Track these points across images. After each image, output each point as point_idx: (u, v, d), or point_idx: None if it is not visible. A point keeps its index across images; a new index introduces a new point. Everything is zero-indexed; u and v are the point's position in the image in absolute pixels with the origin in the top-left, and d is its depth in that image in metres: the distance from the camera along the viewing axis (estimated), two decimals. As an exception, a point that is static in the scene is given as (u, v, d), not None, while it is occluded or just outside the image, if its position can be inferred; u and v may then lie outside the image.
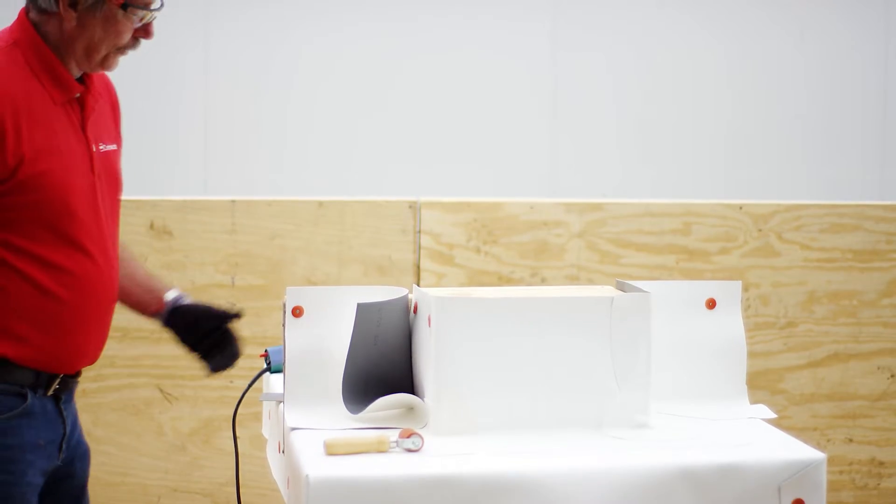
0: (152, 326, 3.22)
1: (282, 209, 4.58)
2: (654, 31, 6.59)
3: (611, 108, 6.58)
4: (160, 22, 2.96)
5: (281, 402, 2.87)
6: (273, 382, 3.09)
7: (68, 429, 2.98)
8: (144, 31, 2.90)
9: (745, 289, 4.78)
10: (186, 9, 6.08)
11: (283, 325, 2.85)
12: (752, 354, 3.24)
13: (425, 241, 4.68)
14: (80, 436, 3.09)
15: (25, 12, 2.88)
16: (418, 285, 3.23)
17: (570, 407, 2.77)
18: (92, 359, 3.01)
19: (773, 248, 4.84)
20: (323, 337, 2.84)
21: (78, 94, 2.90)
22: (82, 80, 2.93)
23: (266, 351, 3.13)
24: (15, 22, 2.88)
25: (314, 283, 4.58)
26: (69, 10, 2.81)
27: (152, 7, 2.87)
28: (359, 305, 2.76)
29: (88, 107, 2.93)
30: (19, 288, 2.83)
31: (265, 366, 3.11)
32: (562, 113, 6.55)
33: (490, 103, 6.51)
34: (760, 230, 4.83)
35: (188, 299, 3.21)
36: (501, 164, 6.50)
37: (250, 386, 3.11)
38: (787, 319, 4.87)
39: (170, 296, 3.19)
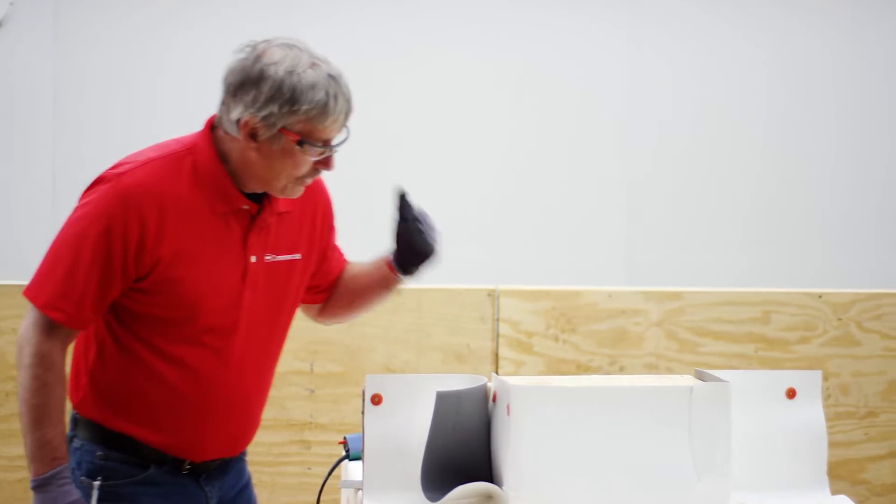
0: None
1: (361, 297, 4.61)
2: (730, 126, 6.60)
3: (689, 196, 6.58)
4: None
5: (360, 489, 2.88)
6: (352, 470, 3.10)
7: (213, 502, 3.03)
8: (325, 164, 2.88)
9: (825, 378, 4.74)
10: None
11: (363, 413, 2.86)
12: (832, 444, 3.22)
13: (504, 329, 4.69)
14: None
15: (213, 125, 2.90)
16: (497, 373, 3.23)
17: (649, 497, 2.76)
18: (225, 452, 3.03)
19: (853, 338, 4.81)
20: (401, 424, 2.85)
21: (246, 206, 2.90)
22: (265, 195, 2.92)
23: (345, 438, 3.14)
24: (202, 130, 2.90)
25: (392, 371, 4.60)
26: (249, 140, 2.82)
27: (332, 144, 2.86)
28: (438, 394, 2.77)
29: (261, 219, 2.92)
30: (145, 377, 2.88)
31: (344, 453, 3.12)
32: (640, 201, 6.56)
33: (568, 191, 6.53)
34: (840, 319, 4.80)
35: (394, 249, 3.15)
36: (579, 251, 6.50)
37: (330, 473, 3.12)
38: (868, 409, 4.82)
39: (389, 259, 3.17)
